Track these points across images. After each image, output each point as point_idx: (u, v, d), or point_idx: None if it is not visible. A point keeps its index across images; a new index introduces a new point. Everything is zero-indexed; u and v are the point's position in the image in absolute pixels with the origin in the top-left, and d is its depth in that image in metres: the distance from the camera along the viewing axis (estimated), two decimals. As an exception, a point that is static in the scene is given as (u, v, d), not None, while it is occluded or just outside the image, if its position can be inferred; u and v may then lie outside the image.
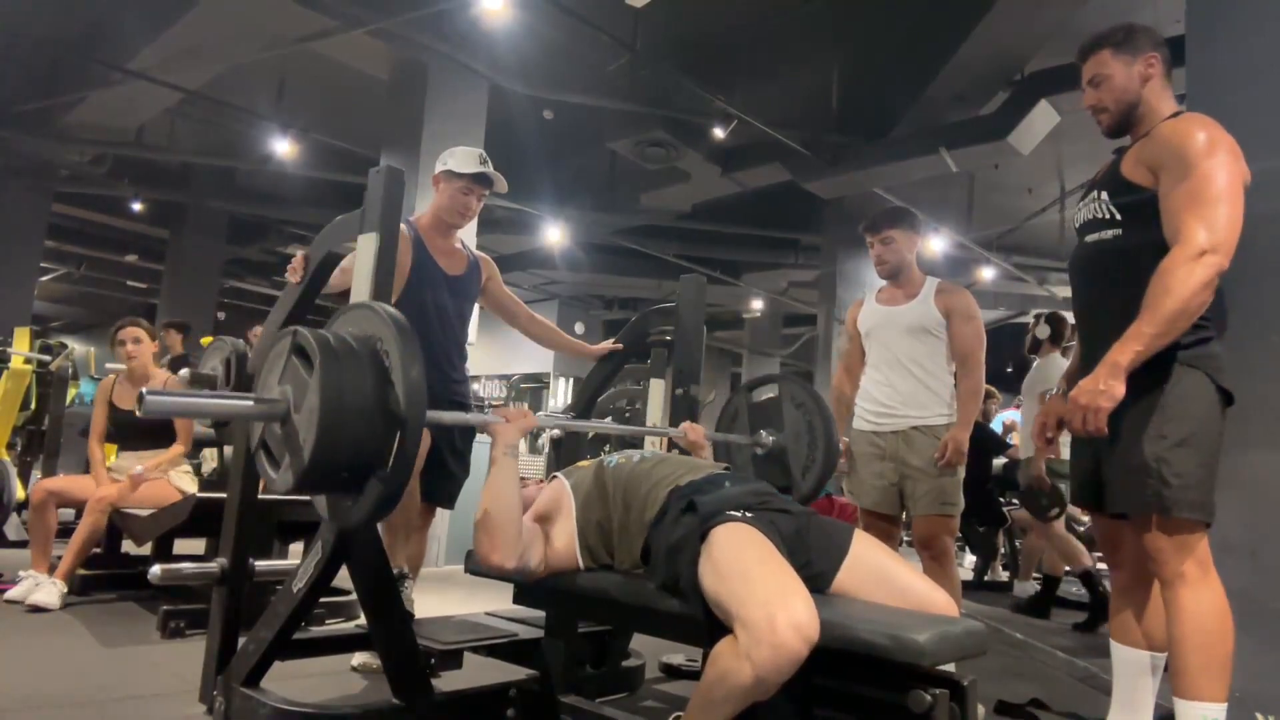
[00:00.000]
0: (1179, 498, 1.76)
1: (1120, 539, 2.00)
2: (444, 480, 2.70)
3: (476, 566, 2.16)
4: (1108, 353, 1.76)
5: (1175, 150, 1.82)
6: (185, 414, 1.50)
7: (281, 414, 1.51)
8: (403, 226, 2.58)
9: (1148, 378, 1.79)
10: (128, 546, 3.85)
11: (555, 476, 1.99)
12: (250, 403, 1.54)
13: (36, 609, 3.15)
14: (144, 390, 1.38)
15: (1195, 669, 1.74)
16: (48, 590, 3.23)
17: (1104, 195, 1.95)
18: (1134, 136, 1.99)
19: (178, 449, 3.73)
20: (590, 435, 3.97)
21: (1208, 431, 1.80)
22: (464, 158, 2.61)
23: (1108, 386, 1.72)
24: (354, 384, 1.45)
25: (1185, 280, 1.70)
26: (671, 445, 2.80)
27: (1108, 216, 1.93)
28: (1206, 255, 1.71)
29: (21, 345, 5.36)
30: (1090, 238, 1.99)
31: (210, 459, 5.36)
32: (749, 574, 1.45)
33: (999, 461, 5.53)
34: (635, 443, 4.43)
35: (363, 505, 1.51)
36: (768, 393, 2.67)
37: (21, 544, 4.78)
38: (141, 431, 3.71)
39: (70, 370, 5.62)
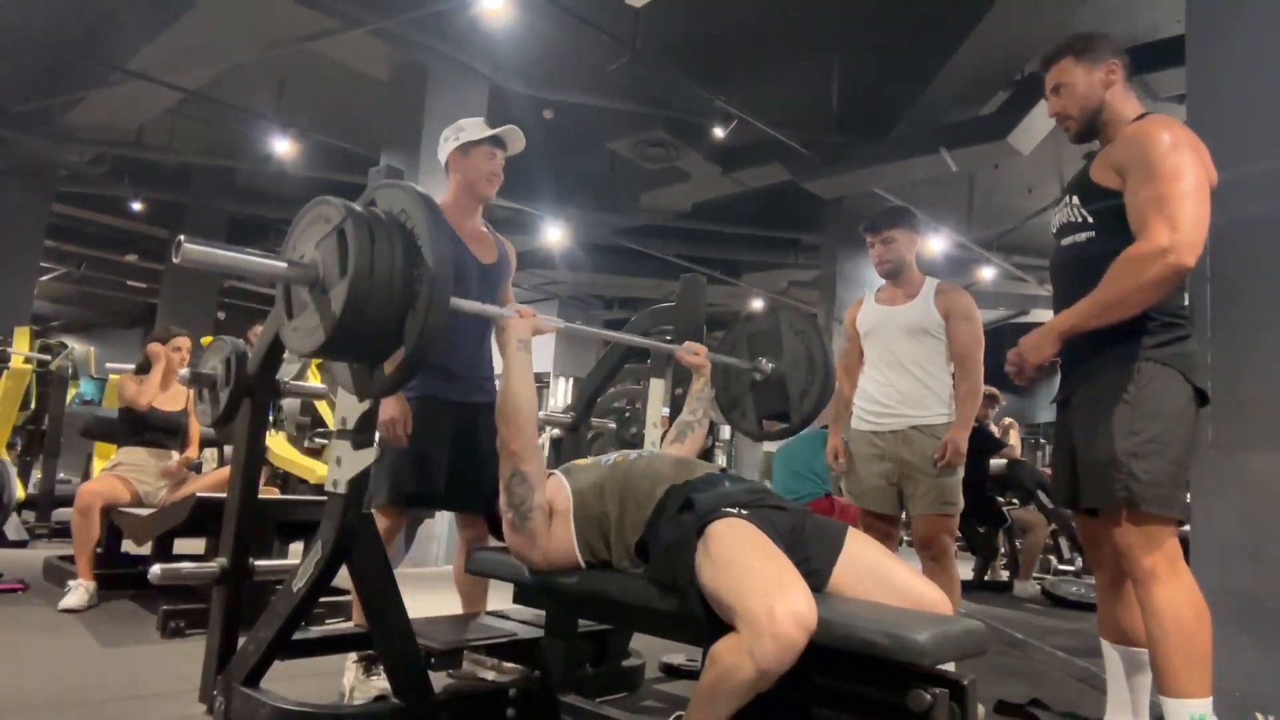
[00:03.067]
0: (1148, 494, 1.78)
1: (1100, 537, 2.01)
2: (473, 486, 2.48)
3: (476, 566, 2.17)
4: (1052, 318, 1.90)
5: (1139, 151, 1.84)
6: (220, 266, 1.55)
7: (312, 279, 1.55)
8: None
9: (1122, 374, 1.83)
10: (128, 546, 3.85)
11: (553, 474, 1.98)
12: (284, 265, 1.58)
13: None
14: (180, 238, 1.43)
15: (1177, 667, 1.74)
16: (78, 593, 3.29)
17: (1075, 200, 1.99)
18: (1102, 141, 2.03)
19: (192, 453, 3.91)
20: (590, 436, 3.96)
21: (1179, 429, 1.82)
22: (473, 126, 2.51)
23: (1039, 343, 1.90)
24: (384, 255, 1.50)
25: (1135, 273, 1.76)
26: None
27: (1080, 220, 1.97)
28: (1166, 254, 1.73)
29: (21, 345, 5.37)
30: (1066, 241, 2.02)
31: (210, 459, 5.37)
32: (747, 567, 1.45)
33: (998, 462, 5.53)
34: (634, 444, 4.42)
35: (385, 377, 1.61)
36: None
37: (21, 544, 4.78)
38: (153, 427, 3.77)
39: (70, 370, 5.63)
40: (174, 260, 1.45)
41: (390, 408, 2.27)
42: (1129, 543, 1.81)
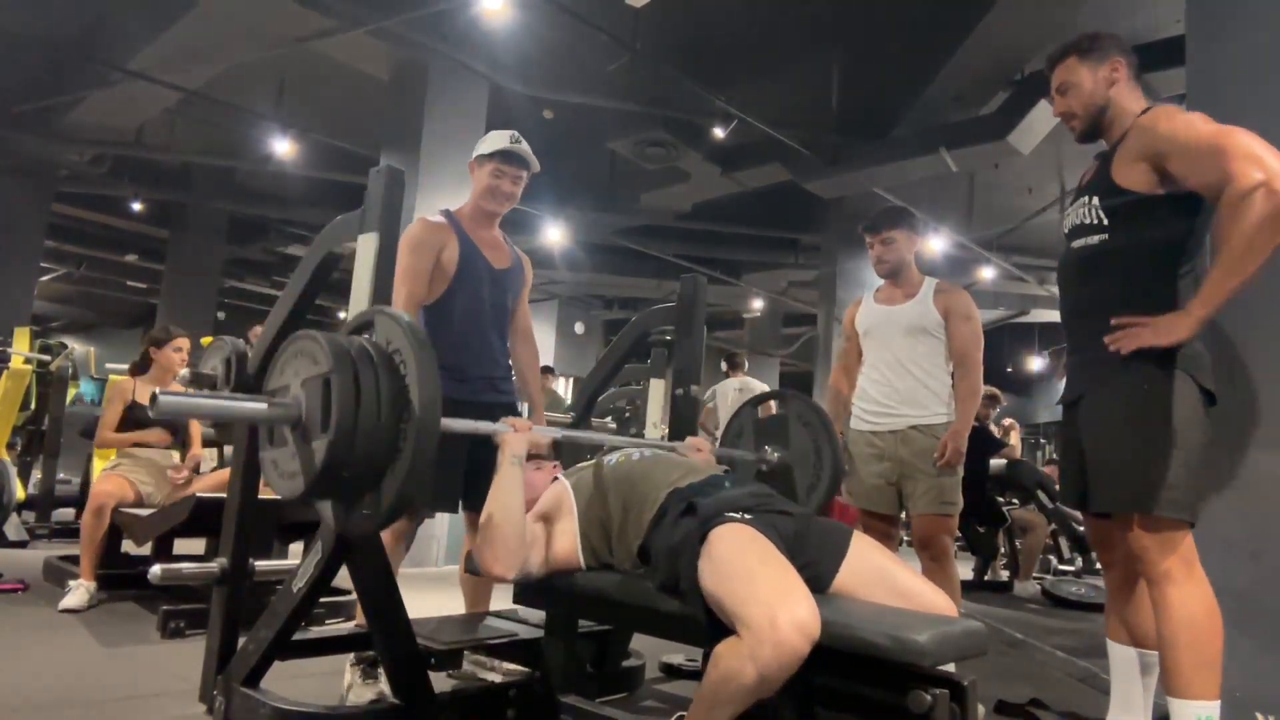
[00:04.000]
0: (1160, 496, 1.77)
1: (1112, 538, 2.01)
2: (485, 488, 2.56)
3: (476, 567, 2.16)
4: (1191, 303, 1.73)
5: (1170, 134, 1.81)
6: (198, 414, 1.50)
7: (294, 418, 1.49)
8: (441, 218, 2.53)
9: (1131, 377, 1.81)
10: (128, 546, 3.85)
11: (558, 478, 1.99)
12: (264, 405, 1.52)
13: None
14: (156, 391, 1.37)
15: (1187, 668, 1.74)
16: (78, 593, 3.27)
17: (1094, 200, 1.96)
18: (1109, 140, 2.01)
19: (197, 450, 3.88)
20: (590, 435, 3.95)
21: (1189, 431, 1.80)
22: (492, 139, 2.54)
23: (1174, 324, 1.73)
24: (369, 408, 1.44)
25: (1245, 214, 1.62)
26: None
27: (1095, 222, 1.95)
28: (1269, 184, 1.61)
29: (21, 345, 5.36)
30: (1077, 243, 2.00)
31: (210, 459, 5.36)
32: (750, 574, 1.45)
33: (998, 462, 5.54)
34: (635, 443, 4.39)
35: (371, 515, 1.51)
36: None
37: (21, 544, 4.78)
38: (152, 427, 3.76)
39: (70, 370, 5.62)
40: (149, 414, 1.40)
41: None
42: (1143, 545, 1.80)
